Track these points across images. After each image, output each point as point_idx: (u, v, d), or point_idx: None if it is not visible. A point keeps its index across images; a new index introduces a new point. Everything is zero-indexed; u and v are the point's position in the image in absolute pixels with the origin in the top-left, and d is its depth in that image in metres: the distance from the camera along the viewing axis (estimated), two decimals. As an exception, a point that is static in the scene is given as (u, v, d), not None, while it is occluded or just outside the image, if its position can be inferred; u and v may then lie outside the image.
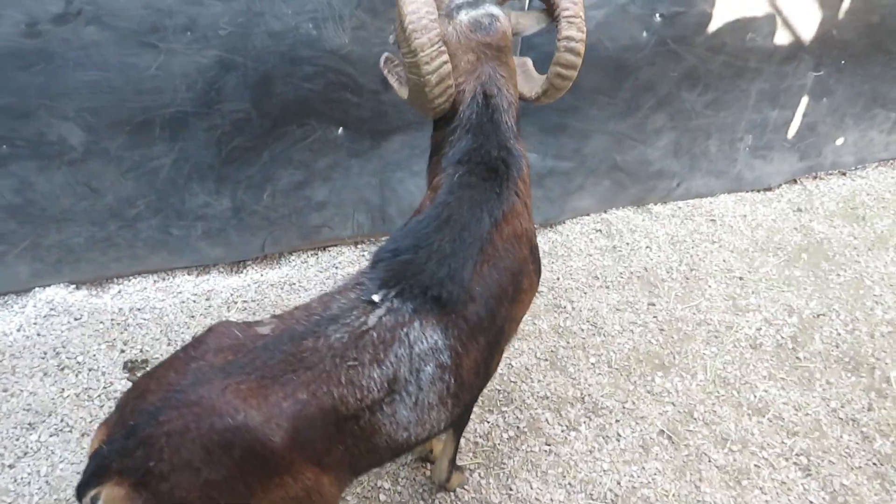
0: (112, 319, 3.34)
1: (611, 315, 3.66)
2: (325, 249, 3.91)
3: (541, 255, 4.00)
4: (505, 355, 3.34)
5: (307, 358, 1.71)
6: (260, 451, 1.60)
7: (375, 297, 1.84)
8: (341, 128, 3.58)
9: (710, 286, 3.91)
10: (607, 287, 3.86)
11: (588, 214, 4.40)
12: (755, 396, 3.23)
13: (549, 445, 2.95)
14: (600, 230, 4.31)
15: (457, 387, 1.96)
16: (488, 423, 3.02)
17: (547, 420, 3.06)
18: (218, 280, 3.65)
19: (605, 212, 4.44)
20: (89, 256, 3.44)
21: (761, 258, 4.16)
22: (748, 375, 3.34)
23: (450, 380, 1.94)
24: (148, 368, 3.09)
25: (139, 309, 3.41)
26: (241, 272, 3.73)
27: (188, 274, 3.66)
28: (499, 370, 3.27)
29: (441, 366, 1.91)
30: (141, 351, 3.19)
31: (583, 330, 3.56)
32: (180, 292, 3.54)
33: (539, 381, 3.24)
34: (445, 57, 1.92)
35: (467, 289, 1.95)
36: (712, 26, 3.97)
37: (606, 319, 3.63)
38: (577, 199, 4.30)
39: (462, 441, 2.91)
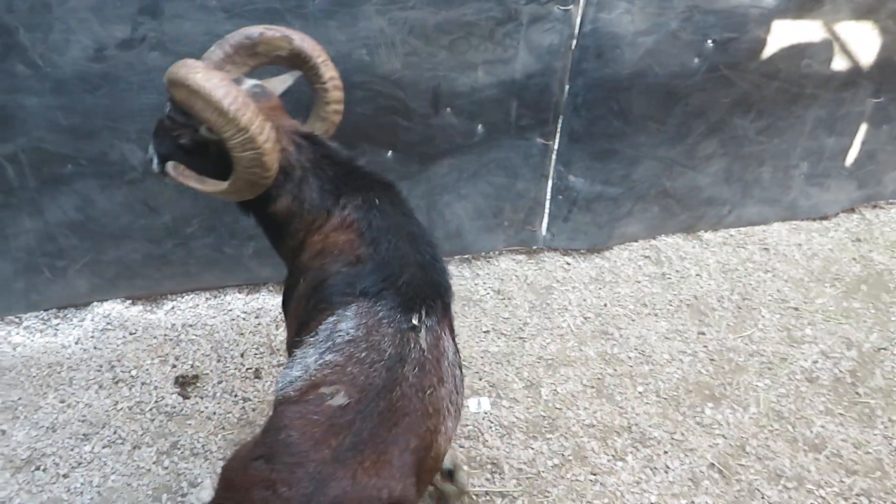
0: (165, 335, 3.42)
1: (659, 343, 3.59)
2: (371, 271, 3.94)
3: (588, 280, 3.99)
4: (550, 381, 3.30)
5: (401, 406, 1.71)
6: None
7: (415, 321, 1.85)
8: (390, 151, 3.63)
9: (763, 316, 3.80)
10: (656, 315, 3.79)
11: (636, 241, 4.35)
12: (812, 432, 3.10)
13: (594, 475, 2.88)
14: (649, 257, 4.24)
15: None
16: (532, 449, 2.98)
17: (593, 449, 3.00)
18: (267, 299, 3.71)
19: (654, 238, 4.38)
20: (145, 273, 3.55)
21: (817, 289, 4.03)
22: (804, 410, 3.22)
23: (462, 375, 2.01)
24: (198, 384, 3.15)
25: (191, 325, 3.49)
26: (290, 291, 3.78)
27: (239, 292, 3.73)
28: (543, 396, 3.23)
29: (459, 366, 1.99)
30: (192, 366, 3.26)
31: (630, 358, 3.49)
32: (231, 310, 3.61)
33: (585, 408, 3.19)
34: (269, 123, 2.01)
35: None
36: (766, 52, 3.92)
37: (655, 348, 3.55)
38: (626, 224, 4.26)
39: (505, 467, 2.88)
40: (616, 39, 3.64)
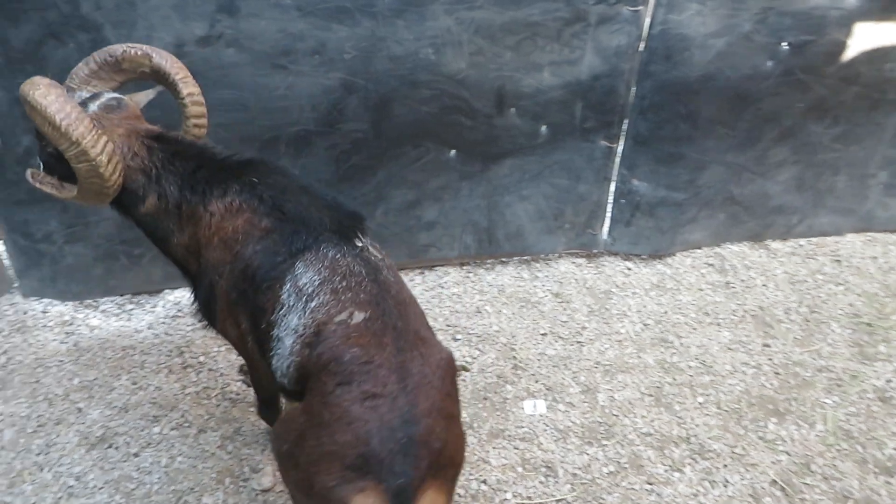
0: (230, 324, 3.53)
1: (721, 354, 3.50)
2: (431, 268, 3.98)
3: (649, 286, 3.92)
4: (607, 387, 3.27)
5: (402, 299, 2.01)
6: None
7: (359, 244, 2.09)
8: (454, 150, 3.65)
9: (833, 330, 3.66)
10: (718, 324, 3.70)
11: (700, 248, 4.25)
12: (883, 454, 2.98)
13: (650, 485, 2.84)
14: (712, 265, 4.14)
15: None
16: (588, 455, 2.95)
17: (649, 458, 2.95)
18: (328, 292, 3.78)
19: (719, 246, 4.27)
20: (213, 263, 3.66)
21: (893, 304, 3.86)
22: (875, 430, 3.09)
23: None
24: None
25: (255, 315, 3.59)
26: (350, 286, 3.84)
27: (301, 285, 3.82)
28: (600, 402, 3.20)
29: None
30: (254, 355, 3.36)
31: (690, 367, 3.42)
32: (293, 302, 3.69)
33: (642, 416, 3.14)
34: (105, 136, 2.10)
35: None
36: (846, 56, 3.77)
37: (717, 358, 3.47)
38: (689, 231, 4.17)
39: (560, 471, 2.87)
40: (686, 41, 3.57)
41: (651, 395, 3.25)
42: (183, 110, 2.43)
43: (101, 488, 2.71)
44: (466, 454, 2.88)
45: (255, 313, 2.10)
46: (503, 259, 4.11)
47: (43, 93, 2.00)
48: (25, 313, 3.51)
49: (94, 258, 3.50)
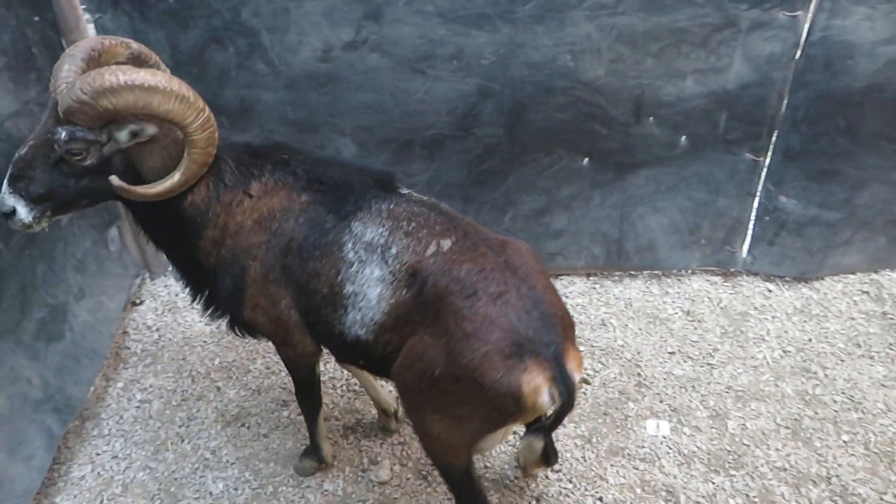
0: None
1: (873, 390, 3.19)
2: (556, 277, 3.92)
3: (791, 311, 3.65)
4: (739, 414, 3.07)
5: (466, 221, 2.22)
6: None
7: (404, 191, 2.29)
8: (587, 158, 3.58)
9: None
10: (871, 357, 3.38)
11: (854, 273, 3.90)
12: None
13: (783, 524, 2.64)
14: (867, 292, 3.79)
15: None
16: (713, 483, 2.79)
17: (783, 495, 2.74)
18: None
19: (876, 272, 3.90)
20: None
21: None
22: None
23: None
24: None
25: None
26: (474, 289, 3.86)
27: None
28: (730, 429, 3.01)
29: None
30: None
31: (835, 402, 3.15)
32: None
33: (777, 449, 2.92)
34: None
35: None
36: None
37: (867, 394, 3.17)
38: (842, 254, 3.83)
39: (681, 497, 2.73)
40: (850, 49, 3.29)
41: (788, 428, 3.02)
42: None
43: (233, 464, 2.90)
44: (582, 469, 2.84)
45: (305, 283, 2.18)
46: (632, 272, 3.98)
47: (150, 73, 2.00)
48: (177, 295, 3.82)
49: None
